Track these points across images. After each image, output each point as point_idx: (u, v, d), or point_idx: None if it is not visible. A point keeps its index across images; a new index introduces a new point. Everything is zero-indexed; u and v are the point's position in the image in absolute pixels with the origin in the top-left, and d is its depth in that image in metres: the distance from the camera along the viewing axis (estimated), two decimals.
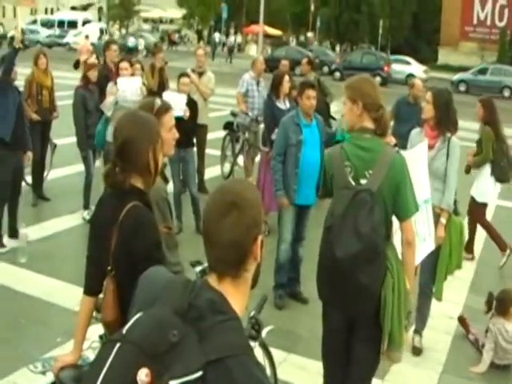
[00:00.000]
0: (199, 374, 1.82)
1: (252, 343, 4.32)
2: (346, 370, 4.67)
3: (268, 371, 4.86)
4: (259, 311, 4.50)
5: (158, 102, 4.09)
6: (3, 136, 8.57)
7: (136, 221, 3.27)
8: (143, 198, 3.37)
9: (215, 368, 1.84)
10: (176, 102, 8.30)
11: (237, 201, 2.07)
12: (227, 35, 64.71)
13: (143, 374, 1.84)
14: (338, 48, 63.08)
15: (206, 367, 1.83)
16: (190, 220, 9.45)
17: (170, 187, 8.87)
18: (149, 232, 3.31)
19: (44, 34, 62.57)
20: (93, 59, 10.76)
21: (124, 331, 2.00)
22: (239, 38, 62.35)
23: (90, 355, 3.89)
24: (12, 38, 8.20)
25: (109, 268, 3.34)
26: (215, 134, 13.23)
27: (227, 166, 12.52)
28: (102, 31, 57.56)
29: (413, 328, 6.50)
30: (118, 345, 1.95)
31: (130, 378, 1.85)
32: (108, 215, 3.35)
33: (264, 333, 4.57)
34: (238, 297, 2.10)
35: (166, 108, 4.06)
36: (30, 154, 9.02)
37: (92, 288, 3.59)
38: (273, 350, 5.06)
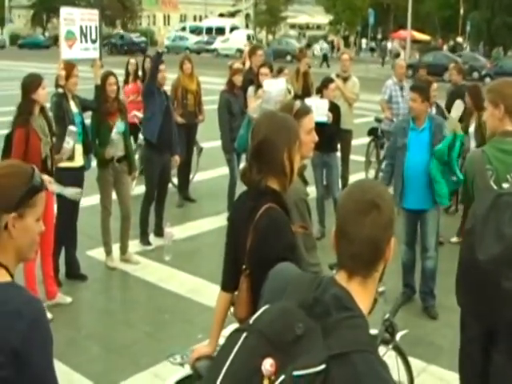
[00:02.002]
0: (322, 367, 1.84)
1: (384, 348, 4.28)
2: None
3: (404, 377, 4.80)
4: (394, 314, 4.44)
5: (297, 104, 4.12)
6: (150, 138, 8.91)
7: (270, 223, 3.30)
8: (279, 199, 3.38)
9: (339, 362, 1.85)
10: (318, 107, 8.32)
11: (377, 200, 2.10)
12: (374, 40, 64.14)
13: (268, 364, 1.88)
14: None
15: (330, 361, 1.85)
16: (333, 225, 9.33)
17: (313, 192, 8.91)
18: (282, 234, 3.33)
19: (192, 40, 64.59)
20: (238, 64, 10.93)
21: (251, 321, 2.05)
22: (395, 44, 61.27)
23: None
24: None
25: (243, 267, 3.42)
26: (360, 140, 13.16)
27: (372, 173, 12.41)
28: (249, 37, 58.49)
29: None
30: (244, 334, 2.01)
31: (254, 367, 1.90)
32: (244, 215, 3.41)
33: (398, 336, 4.50)
34: (365, 296, 2.11)
35: (305, 110, 4.07)
36: (177, 158, 9.32)
37: (228, 284, 3.70)
38: (412, 360, 4.98)
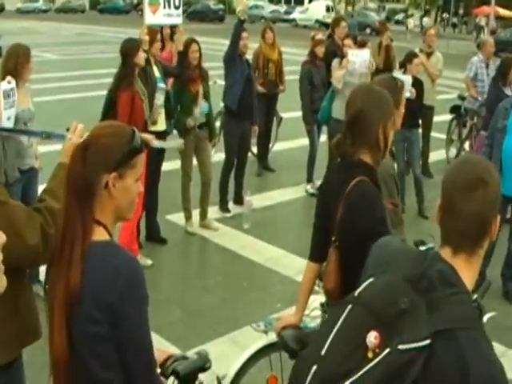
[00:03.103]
0: (427, 342, 1.86)
1: None
2: None
3: None
4: (482, 296, 4.39)
5: (391, 78, 4.11)
6: (230, 105, 8.94)
7: (362, 195, 3.31)
8: (371, 173, 3.39)
9: (444, 338, 1.87)
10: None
11: (485, 176, 2.10)
12: (456, 16, 62.73)
13: (372, 336, 1.92)
14: None
15: (434, 337, 1.87)
16: (413, 202, 9.30)
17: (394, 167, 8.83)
18: (374, 208, 3.34)
19: (268, 9, 64.05)
20: (320, 35, 10.83)
21: (356, 293, 2.09)
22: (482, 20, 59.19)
23: (309, 323, 4.01)
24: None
25: (333, 238, 3.42)
26: (441, 117, 12.90)
27: (453, 151, 12.15)
28: (328, 8, 57.95)
29: None
30: (349, 306, 2.06)
31: (359, 339, 1.94)
32: (335, 187, 3.42)
33: (485, 318, 4.45)
34: (469, 272, 2.11)
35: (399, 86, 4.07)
36: (256, 128, 9.32)
37: (316, 255, 3.71)
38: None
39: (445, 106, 12.94)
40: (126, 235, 6.95)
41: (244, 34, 8.82)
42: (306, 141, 10.42)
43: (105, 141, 2.43)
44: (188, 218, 8.42)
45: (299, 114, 10.31)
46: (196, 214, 8.49)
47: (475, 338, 1.91)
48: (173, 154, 8.42)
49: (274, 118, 11.67)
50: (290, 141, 12.71)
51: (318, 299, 4.09)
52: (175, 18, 8.36)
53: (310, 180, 10.02)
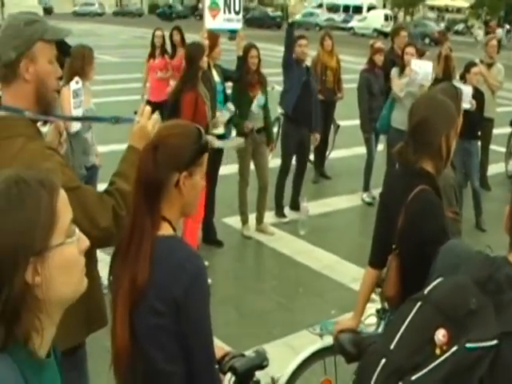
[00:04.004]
0: (494, 342, 1.88)
1: None
2: None
3: None
4: None
5: (452, 86, 4.13)
6: (286, 109, 8.99)
7: (424, 204, 3.32)
8: (432, 182, 3.40)
9: (511, 340, 1.88)
10: (462, 93, 8.15)
11: None
12: None
13: (441, 334, 1.94)
14: None
15: (502, 337, 1.88)
16: (470, 214, 9.11)
17: None
18: (436, 215, 3.35)
19: (323, 17, 64.06)
20: (379, 43, 10.81)
21: (426, 292, 2.12)
22: None
23: (364, 329, 4.04)
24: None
25: (394, 246, 3.44)
26: (501, 130, 12.76)
27: None
28: (386, 17, 57.65)
29: None
30: (419, 303, 2.09)
31: (427, 335, 1.98)
32: (397, 195, 3.44)
33: None
34: None
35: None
36: (317, 136, 9.29)
37: (377, 261, 3.73)
38: None
39: (505, 118, 12.74)
40: (193, 237, 7.01)
41: (303, 42, 8.86)
42: (363, 149, 10.39)
43: (174, 141, 2.49)
44: (244, 221, 8.48)
45: (357, 122, 10.29)
46: (252, 218, 8.54)
47: None
48: (230, 159, 8.48)
49: (332, 126, 11.67)
50: (347, 149, 12.68)
51: (373, 307, 4.11)
52: (235, 22, 8.44)
53: (366, 188, 10.00)
